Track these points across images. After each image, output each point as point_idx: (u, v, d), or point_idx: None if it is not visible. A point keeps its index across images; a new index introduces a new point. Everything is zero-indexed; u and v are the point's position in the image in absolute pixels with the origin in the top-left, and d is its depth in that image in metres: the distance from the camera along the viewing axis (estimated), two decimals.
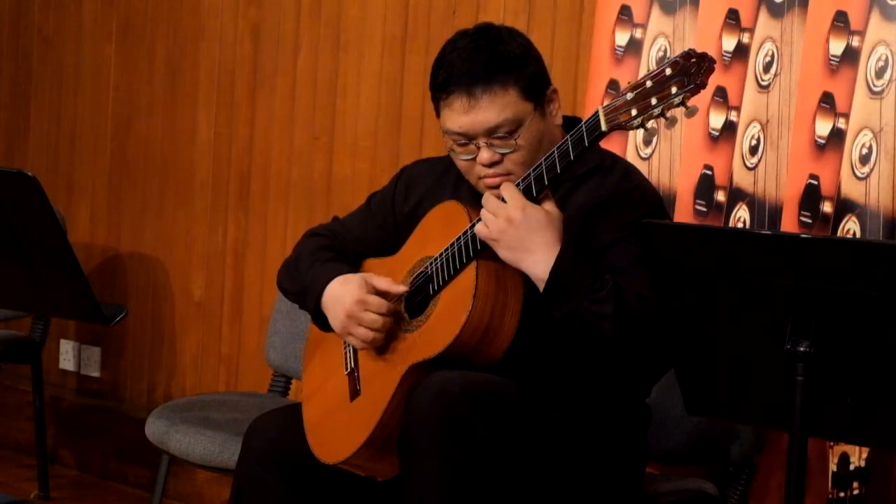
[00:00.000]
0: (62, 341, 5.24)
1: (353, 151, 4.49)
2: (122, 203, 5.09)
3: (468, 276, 2.86)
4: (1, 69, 5.44)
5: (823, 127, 3.27)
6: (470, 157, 2.97)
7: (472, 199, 3.00)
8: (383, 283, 2.98)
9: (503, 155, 2.94)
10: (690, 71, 2.67)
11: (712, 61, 2.68)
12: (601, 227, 2.93)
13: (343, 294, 2.99)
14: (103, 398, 5.14)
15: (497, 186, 2.93)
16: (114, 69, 5.11)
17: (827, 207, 3.26)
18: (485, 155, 2.94)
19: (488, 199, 2.86)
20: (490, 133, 2.93)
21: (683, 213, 3.50)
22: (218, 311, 4.83)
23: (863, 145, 3.21)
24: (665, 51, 3.56)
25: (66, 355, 5.24)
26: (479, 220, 2.87)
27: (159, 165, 4.98)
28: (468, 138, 2.95)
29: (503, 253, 2.83)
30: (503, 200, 2.84)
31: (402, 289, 2.99)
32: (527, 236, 2.81)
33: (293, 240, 3.31)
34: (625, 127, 2.75)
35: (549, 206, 2.85)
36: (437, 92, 3.00)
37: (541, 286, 2.81)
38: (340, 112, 4.53)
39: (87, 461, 5.07)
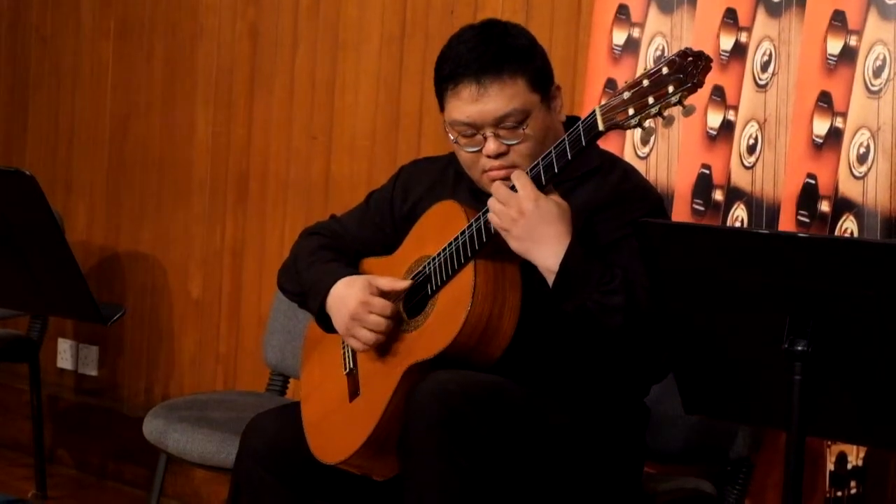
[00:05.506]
0: (60, 340, 5.24)
1: (352, 151, 4.49)
2: (120, 202, 5.09)
3: (466, 275, 2.85)
4: None
5: (821, 126, 3.27)
6: (475, 148, 2.94)
7: (471, 199, 3.00)
8: (387, 283, 2.98)
9: (510, 146, 2.92)
10: (687, 70, 2.67)
11: (709, 60, 2.67)
12: (601, 227, 2.92)
13: (347, 296, 2.98)
14: (101, 397, 5.14)
15: (501, 180, 2.92)
16: (112, 69, 5.10)
17: (825, 206, 3.26)
18: (491, 146, 2.92)
19: (499, 187, 2.83)
20: (497, 123, 2.91)
21: (681, 212, 3.50)
22: (216, 311, 4.83)
23: (860, 144, 3.21)
24: (663, 50, 3.56)
25: (64, 354, 5.24)
26: (480, 218, 2.86)
27: (157, 165, 4.98)
28: (475, 129, 2.93)
29: (513, 243, 2.81)
30: (513, 189, 2.82)
31: (406, 284, 2.98)
32: (538, 228, 2.79)
33: (291, 239, 3.30)
34: (622, 126, 2.75)
35: (557, 198, 2.84)
36: (444, 83, 2.96)
37: (550, 278, 2.80)
38: (338, 111, 4.52)
39: (85, 460, 5.07)
